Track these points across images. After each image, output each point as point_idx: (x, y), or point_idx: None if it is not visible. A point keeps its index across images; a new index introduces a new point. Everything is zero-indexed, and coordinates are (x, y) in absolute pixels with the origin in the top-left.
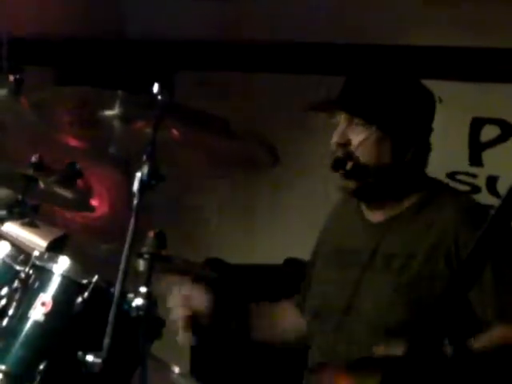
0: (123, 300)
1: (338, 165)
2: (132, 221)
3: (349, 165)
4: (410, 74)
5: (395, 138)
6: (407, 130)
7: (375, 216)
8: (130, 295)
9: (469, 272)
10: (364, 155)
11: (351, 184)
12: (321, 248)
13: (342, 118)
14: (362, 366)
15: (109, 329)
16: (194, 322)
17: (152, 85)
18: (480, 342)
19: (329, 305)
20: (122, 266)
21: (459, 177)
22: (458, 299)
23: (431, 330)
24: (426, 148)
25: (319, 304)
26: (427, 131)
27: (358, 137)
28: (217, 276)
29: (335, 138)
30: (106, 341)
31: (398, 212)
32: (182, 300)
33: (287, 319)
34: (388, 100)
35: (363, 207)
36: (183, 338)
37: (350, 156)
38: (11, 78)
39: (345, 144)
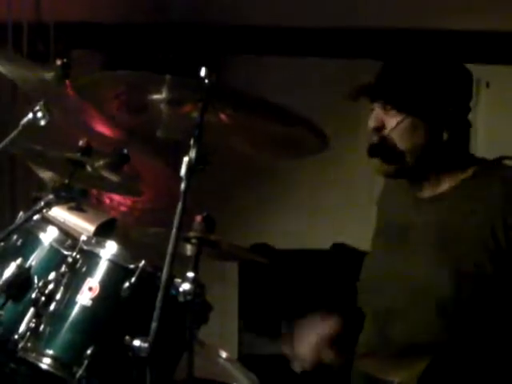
0: (171, 285)
1: (374, 151)
2: (179, 205)
3: (384, 149)
4: (445, 56)
5: (430, 121)
6: (442, 112)
7: (423, 192)
8: (178, 280)
9: None
10: (399, 138)
11: (390, 168)
12: (377, 224)
13: (378, 104)
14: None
15: (156, 313)
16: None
17: (199, 68)
18: None
19: (379, 281)
20: (169, 251)
21: (506, 162)
22: None
23: None
24: (465, 127)
25: (369, 280)
26: (464, 111)
27: (392, 121)
28: (266, 261)
29: (371, 123)
30: (153, 325)
31: (445, 189)
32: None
33: None
34: (421, 86)
35: (411, 183)
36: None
37: (384, 140)
38: (58, 62)
39: (380, 128)
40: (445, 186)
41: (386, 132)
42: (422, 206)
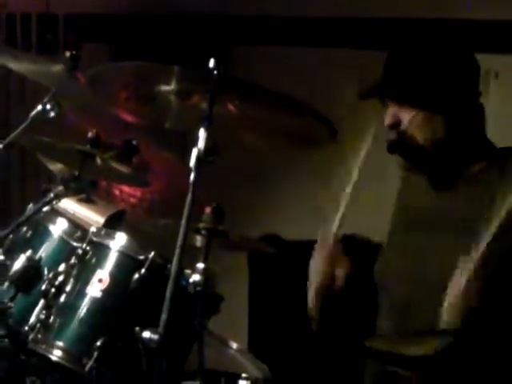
0: (180, 276)
1: (393, 147)
2: (189, 196)
3: (403, 145)
4: (449, 44)
5: (443, 111)
6: (455, 102)
7: (441, 181)
8: (188, 271)
9: None
10: (416, 133)
11: (408, 163)
12: (393, 219)
13: (390, 101)
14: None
15: (166, 305)
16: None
17: (208, 60)
18: None
19: (393, 272)
20: (179, 242)
21: None
22: None
23: None
24: (480, 112)
25: (382, 272)
26: (475, 96)
27: (408, 116)
28: (276, 251)
29: (387, 121)
30: (163, 317)
31: (464, 177)
32: (324, 263)
33: None
34: (431, 79)
35: (429, 174)
36: (311, 310)
37: (403, 136)
38: (67, 53)
39: (396, 125)
40: (463, 174)
41: (402, 128)
42: (438, 194)
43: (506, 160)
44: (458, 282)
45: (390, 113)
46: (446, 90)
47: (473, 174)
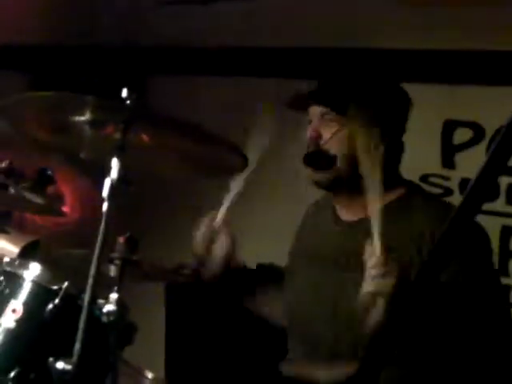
0: (94, 306)
1: (309, 160)
2: (102, 226)
3: (318, 158)
4: (384, 75)
5: (366, 131)
6: (378, 125)
7: (348, 215)
8: (101, 301)
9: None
10: (334, 148)
11: (323, 178)
12: (296, 253)
13: (314, 114)
14: None
15: (79, 335)
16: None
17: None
18: None
19: (309, 314)
20: (92, 272)
21: (432, 179)
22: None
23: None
24: (399, 147)
25: (298, 313)
26: (400, 130)
27: (329, 130)
28: (192, 280)
29: (308, 133)
30: (77, 347)
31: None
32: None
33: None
34: (359, 93)
35: (337, 207)
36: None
37: (319, 149)
38: None
39: (316, 138)
40: (365, 209)
41: (321, 141)
42: (346, 231)
43: (414, 197)
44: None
45: (312, 126)
46: (370, 108)
47: (382, 208)
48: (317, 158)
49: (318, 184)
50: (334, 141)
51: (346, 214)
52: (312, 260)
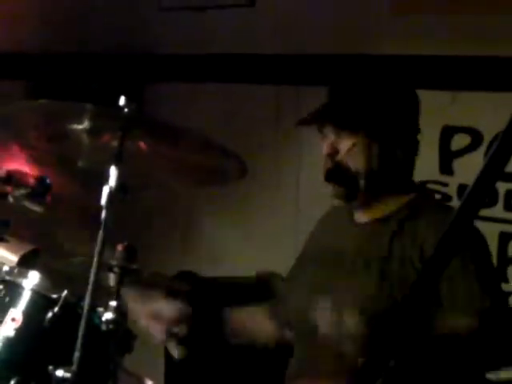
0: (93, 314)
1: (329, 176)
2: (100, 234)
3: (339, 174)
4: (390, 79)
5: (382, 142)
6: (393, 133)
7: (362, 217)
8: (100, 309)
9: (435, 267)
10: (352, 162)
11: (342, 191)
12: (306, 252)
13: (329, 130)
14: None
15: (78, 343)
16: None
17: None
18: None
19: (306, 313)
20: (91, 280)
21: (430, 185)
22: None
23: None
24: (415, 148)
25: (297, 311)
26: (414, 131)
27: (345, 145)
28: (189, 289)
29: (325, 150)
30: (76, 355)
31: (384, 214)
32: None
33: (256, 323)
34: (372, 106)
35: (353, 209)
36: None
37: (339, 165)
38: None
39: (333, 154)
40: (384, 211)
41: (339, 157)
42: (357, 232)
43: (425, 203)
44: None
45: (329, 142)
46: (384, 119)
47: (394, 211)
48: (337, 174)
49: (337, 196)
50: (351, 155)
51: (360, 216)
52: (325, 262)
